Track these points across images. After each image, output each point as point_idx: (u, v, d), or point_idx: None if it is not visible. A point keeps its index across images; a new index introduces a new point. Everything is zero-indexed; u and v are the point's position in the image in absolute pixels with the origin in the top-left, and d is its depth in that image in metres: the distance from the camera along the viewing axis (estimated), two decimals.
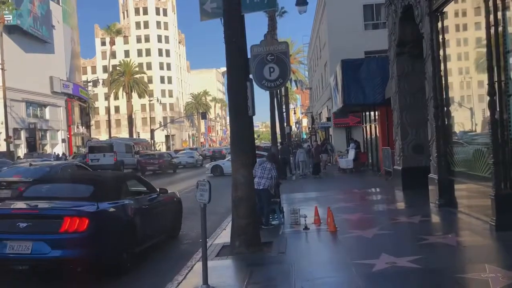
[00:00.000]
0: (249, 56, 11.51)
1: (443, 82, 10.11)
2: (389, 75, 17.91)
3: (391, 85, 14.58)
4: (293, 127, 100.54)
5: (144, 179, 9.09)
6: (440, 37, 9.98)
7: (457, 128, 10.09)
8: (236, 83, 7.67)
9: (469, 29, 9.56)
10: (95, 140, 51.71)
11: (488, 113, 7.65)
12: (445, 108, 10.09)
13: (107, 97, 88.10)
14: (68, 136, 59.79)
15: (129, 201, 7.52)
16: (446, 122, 10.09)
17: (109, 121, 68.76)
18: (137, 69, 76.72)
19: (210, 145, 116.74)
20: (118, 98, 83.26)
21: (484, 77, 7.71)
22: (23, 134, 47.32)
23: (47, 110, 55.21)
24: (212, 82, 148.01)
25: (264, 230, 9.40)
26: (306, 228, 8.90)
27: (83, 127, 68.09)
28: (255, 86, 11.89)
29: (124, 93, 74.81)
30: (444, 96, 10.11)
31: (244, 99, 7.63)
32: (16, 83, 45.69)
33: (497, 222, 7.10)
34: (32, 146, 46.66)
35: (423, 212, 9.85)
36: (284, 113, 53.84)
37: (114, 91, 73.47)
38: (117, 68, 76.35)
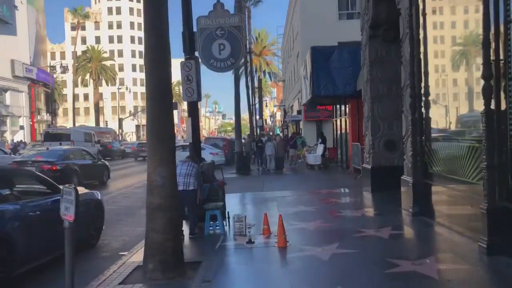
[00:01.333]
0: (195, 29, 9.70)
1: (422, 66, 8.47)
2: (361, 66, 16.36)
3: (362, 74, 12.94)
4: (268, 121, 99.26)
5: (44, 177, 7.12)
6: (421, 10, 8.32)
7: (437, 122, 8.48)
8: (152, 59, 5.80)
9: None
10: (52, 128, 48.87)
11: (478, 103, 6.03)
12: (424, 98, 8.46)
13: (75, 84, 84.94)
14: (31, 123, 56.72)
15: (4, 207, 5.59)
16: (424, 115, 8.47)
17: (73, 109, 65.76)
18: (105, 55, 73.37)
19: (182, 136, 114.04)
20: (87, 85, 79.78)
21: (476, 57, 6.07)
22: None
23: (7, 95, 52.05)
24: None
25: (198, 241, 7.63)
26: (250, 241, 7.13)
27: (48, 114, 64.87)
28: (203, 68, 10.17)
29: (91, 80, 71.72)
30: (423, 84, 8.47)
31: (164, 80, 5.76)
32: None
33: (489, 243, 5.47)
34: None
35: (394, 222, 8.23)
36: (255, 105, 52.32)
37: (80, 77, 70.25)
38: (85, 53, 72.89)
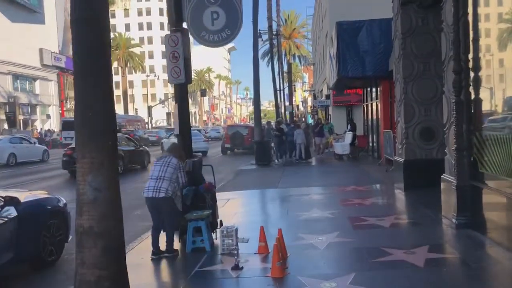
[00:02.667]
0: None
1: (471, 32, 6.42)
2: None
3: (394, 49, 10.86)
4: (300, 107, 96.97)
5: None
6: None
7: (491, 106, 6.46)
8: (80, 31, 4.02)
9: None
10: (70, 117, 48.45)
11: None
12: (472, 74, 6.43)
13: None
14: (60, 111, 56.72)
15: None
16: (473, 96, 6.44)
17: None
18: (133, 42, 72.60)
19: (213, 123, 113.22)
20: (118, 73, 79.30)
21: None
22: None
23: (36, 83, 52.14)
24: (217, 58, 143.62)
25: (173, 263, 5.95)
26: (237, 267, 5.38)
27: None
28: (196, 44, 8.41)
29: (120, 67, 71.23)
30: (471, 55, 6.43)
31: (95, 43, 3.99)
32: (0, 54, 42.61)
33: None
34: (11, 122, 43.43)
35: (431, 237, 6.29)
36: (283, 90, 50.30)
37: None
38: (112, 41, 72.35)
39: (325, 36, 32.59)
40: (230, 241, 6.00)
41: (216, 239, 6.58)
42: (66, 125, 30.69)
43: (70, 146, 18.25)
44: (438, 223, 6.97)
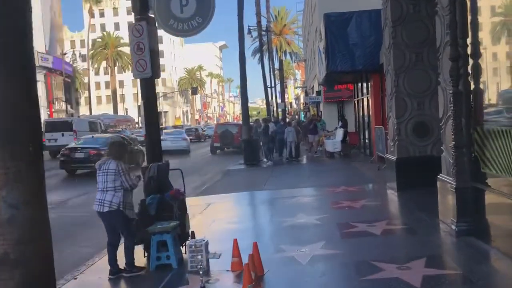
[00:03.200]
0: None
1: (469, 13, 5.68)
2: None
3: (384, 41, 10.11)
4: (293, 104, 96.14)
5: None
6: None
7: (494, 97, 5.73)
8: None
9: None
10: (55, 118, 47.38)
11: None
12: (471, 61, 5.69)
13: (95, 72, 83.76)
14: (49, 112, 55.65)
15: None
16: (473, 85, 5.70)
17: (89, 97, 64.48)
18: (121, 40, 71.49)
19: (206, 122, 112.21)
20: (107, 73, 78.17)
21: None
22: None
23: None
24: (208, 56, 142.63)
25: (129, 282, 5.17)
26: None
27: (67, 104, 63.83)
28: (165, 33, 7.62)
29: (108, 67, 70.15)
30: (470, 39, 5.68)
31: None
32: None
33: None
34: None
35: (429, 247, 5.56)
36: (274, 88, 49.54)
37: (96, 64, 68.72)
38: (100, 40, 71.20)
39: (315, 31, 31.83)
40: (200, 256, 5.24)
41: (185, 253, 5.80)
42: (49, 127, 29.66)
43: (68, 146, 18.73)
44: (435, 230, 6.23)
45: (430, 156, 9.05)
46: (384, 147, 13.81)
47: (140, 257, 5.77)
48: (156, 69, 7.00)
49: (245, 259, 4.90)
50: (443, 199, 6.48)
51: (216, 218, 8.23)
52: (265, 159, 19.03)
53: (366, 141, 18.82)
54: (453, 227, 5.86)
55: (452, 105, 5.88)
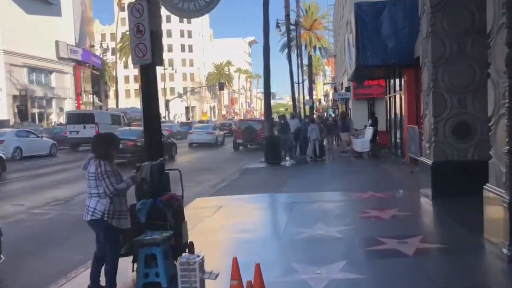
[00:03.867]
0: None
1: None
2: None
3: (421, 28, 8.97)
4: (322, 101, 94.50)
5: None
6: None
7: None
8: None
9: None
10: (77, 110, 47.47)
11: None
12: None
13: (125, 65, 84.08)
14: (77, 105, 56.08)
15: None
16: None
17: (116, 90, 64.53)
18: None
19: (232, 117, 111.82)
20: (136, 67, 78.04)
21: None
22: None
23: (52, 76, 51.58)
24: (237, 52, 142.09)
25: None
26: None
27: (94, 96, 64.34)
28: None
29: None
30: None
31: None
32: (15, 47, 41.98)
33: None
34: (23, 115, 42.69)
35: (474, 275, 4.53)
36: (302, 84, 48.35)
37: (124, 58, 68.79)
38: (128, 33, 71.25)
39: (346, 24, 30.57)
40: (193, 274, 4.35)
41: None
42: (71, 119, 29.44)
43: None
44: (480, 252, 5.17)
45: (471, 161, 7.94)
46: (418, 149, 12.64)
47: (127, 269, 4.95)
48: (157, 54, 6.14)
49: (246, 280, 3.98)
50: (490, 215, 5.41)
51: (225, 224, 7.35)
52: (287, 158, 18.07)
53: (398, 141, 17.61)
54: (505, 250, 4.79)
55: (507, 100, 4.81)
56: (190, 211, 8.52)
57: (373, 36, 14.85)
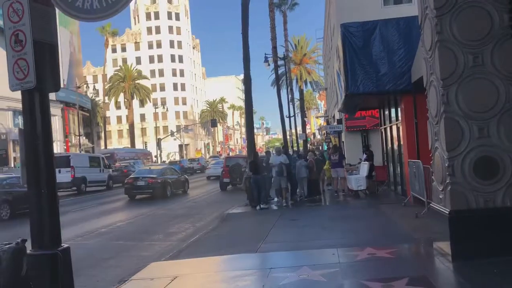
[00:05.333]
0: None
1: None
2: (417, 44, 10.65)
3: (423, 39, 7.11)
4: (317, 135, 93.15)
5: None
6: None
7: None
8: None
9: None
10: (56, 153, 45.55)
11: None
12: None
13: (116, 105, 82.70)
14: (65, 147, 54.26)
15: None
16: None
17: (104, 131, 63.09)
18: (136, 74, 70.28)
19: (228, 154, 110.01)
20: (129, 107, 76.70)
21: None
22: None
23: None
24: (231, 89, 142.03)
25: None
26: None
27: (85, 138, 62.56)
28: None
29: (125, 100, 68.85)
30: None
31: None
32: (1, 90, 40.21)
33: None
34: (3, 160, 40.59)
35: None
36: (293, 117, 46.77)
37: (114, 98, 67.43)
38: (117, 73, 70.15)
39: (335, 52, 29.13)
40: None
41: None
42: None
43: (131, 176, 23.25)
44: None
45: (504, 208, 5.93)
46: (423, 188, 10.66)
47: None
48: (50, 75, 4.20)
49: None
50: None
51: None
52: (275, 199, 15.99)
53: (397, 177, 15.62)
54: None
55: None
56: (134, 284, 6.45)
57: (364, 59, 13.14)
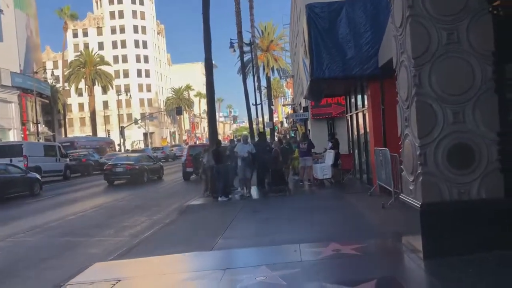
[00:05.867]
0: None
1: None
2: (385, 28, 10.18)
3: (392, 14, 6.48)
4: (284, 123, 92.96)
5: None
6: None
7: None
8: None
9: None
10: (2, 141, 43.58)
11: None
12: None
13: (80, 93, 79.82)
14: (23, 135, 51.80)
15: None
16: None
17: (64, 119, 60.76)
18: (98, 59, 67.87)
19: (195, 142, 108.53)
20: (91, 94, 74.10)
21: None
22: None
23: None
24: (197, 76, 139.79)
25: None
26: None
27: (44, 126, 60.00)
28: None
29: (86, 87, 66.44)
30: None
31: None
32: None
33: None
34: None
35: None
36: (259, 105, 46.11)
37: (73, 85, 64.90)
38: (78, 59, 67.52)
39: (301, 37, 28.49)
40: None
41: None
42: None
43: (109, 163, 24.45)
44: None
45: (478, 201, 5.41)
46: (390, 178, 10.19)
47: None
48: None
49: None
50: None
51: None
52: (239, 189, 15.33)
53: (363, 165, 15.19)
54: None
55: None
56: None
57: (330, 43, 12.53)
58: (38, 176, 20.97)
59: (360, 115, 14.99)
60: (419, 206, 5.56)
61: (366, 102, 13.78)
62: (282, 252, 6.73)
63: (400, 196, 6.43)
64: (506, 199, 5.35)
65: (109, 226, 11.40)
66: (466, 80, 5.46)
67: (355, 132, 16.32)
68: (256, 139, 26.58)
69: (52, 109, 64.43)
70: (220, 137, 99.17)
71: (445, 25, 5.52)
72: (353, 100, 16.27)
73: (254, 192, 14.79)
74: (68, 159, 29.69)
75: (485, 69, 5.44)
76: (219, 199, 13.68)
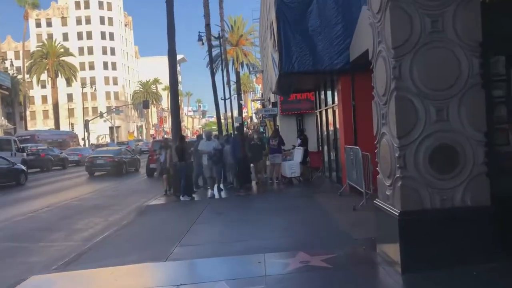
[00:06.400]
0: None
1: None
2: (357, 20, 9.62)
3: (369, 2, 5.85)
4: (254, 118, 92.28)
5: None
6: None
7: None
8: None
9: None
10: None
11: None
12: None
13: (42, 85, 76.80)
14: None
15: None
16: None
17: (24, 111, 58.17)
18: (62, 50, 65.36)
19: (163, 137, 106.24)
20: (53, 86, 71.27)
21: None
22: None
23: None
24: (166, 69, 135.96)
25: None
26: None
27: (4, 118, 57.32)
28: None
29: (49, 78, 63.89)
30: None
31: None
32: None
33: None
34: None
35: None
36: (228, 100, 45.30)
37: (35, 76, 62.28)
38: (40, 49, 64.82)
39: (269, 29, 27.79)
40: None
41: None
42: None
43: (90, 155, 26.25)
44: None
45: (462, 209, 4.84)
46: (361, 178, 9.63)
47: None
48: None
49: None
50: None
51: None
52: (203, 188, 14.54)
53: (333, 163, 14.66)
54: None
55: None
56: None
57: (299, 36, 11.89)
58: (24, 168, 22.38)
59: (330, 111, 14.44)
60: (397, 214, 4.95)
61: (336, 98, 13.22)
62: (245, 263, 6.03)
63: (375, 202, 5.81)
64: (492, 207, 4.80)
65: (60, 229, 10.47)
66: (451, 73, 4.87)
67: (325, 129, 15.78)
68: (224, 134, 25.82)
69: (12, 101, 61.70)
70: (188, 132, 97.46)
71: (430, 10, 4.91)
72: (322, 96, 15.71)
73: (220, 191, 14.03)
74: (25, 154, 28.11)
75: (472, 61, 4.87)
76: (181, 198, 12.87)
